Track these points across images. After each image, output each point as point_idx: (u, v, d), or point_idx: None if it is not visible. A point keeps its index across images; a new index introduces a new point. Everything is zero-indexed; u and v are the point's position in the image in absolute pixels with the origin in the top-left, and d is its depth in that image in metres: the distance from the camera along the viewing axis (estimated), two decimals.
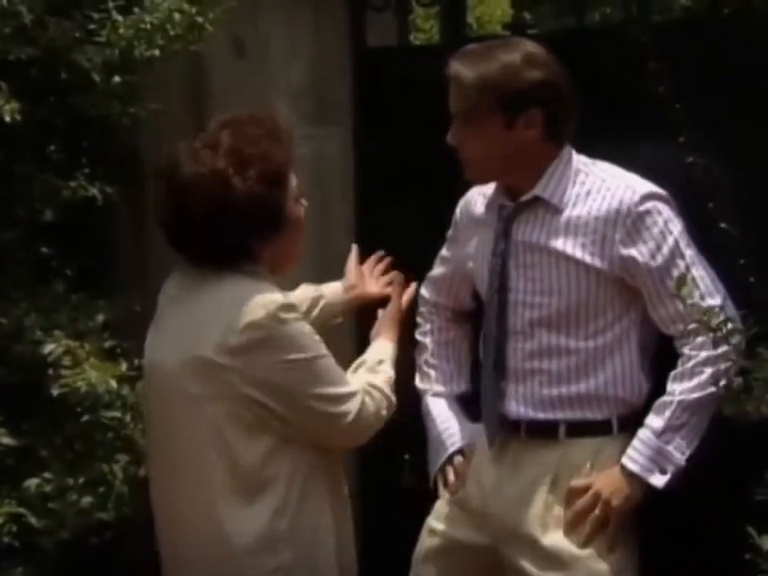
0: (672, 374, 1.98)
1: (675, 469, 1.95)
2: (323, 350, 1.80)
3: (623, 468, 1.96)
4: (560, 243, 1.99)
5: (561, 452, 2.02)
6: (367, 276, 2.26)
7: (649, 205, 1.97)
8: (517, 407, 2.04)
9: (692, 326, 1.86)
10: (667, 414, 1.94)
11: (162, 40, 2.66)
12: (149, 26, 2.64)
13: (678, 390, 1.94)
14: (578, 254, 1.97)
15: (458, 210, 2.26)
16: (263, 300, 1.73)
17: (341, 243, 3.19)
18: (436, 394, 2.27)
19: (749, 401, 1.64)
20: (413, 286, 2.22)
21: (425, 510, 2.31)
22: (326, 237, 3.04)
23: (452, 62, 2.03)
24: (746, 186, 2.31)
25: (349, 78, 3.08)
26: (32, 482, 2.43)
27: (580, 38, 2.76)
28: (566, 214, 1.99)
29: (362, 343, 2.94)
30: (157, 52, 2.66)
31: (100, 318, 2.62)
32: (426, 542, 2.20)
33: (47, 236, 2.77)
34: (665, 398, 1.96)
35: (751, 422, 1.68)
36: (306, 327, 1.78)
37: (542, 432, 2.03)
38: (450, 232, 2.30)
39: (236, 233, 1.75)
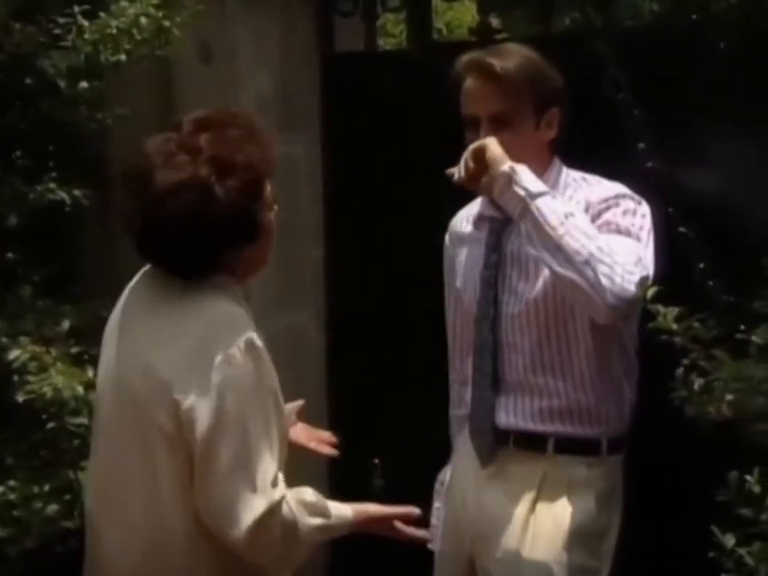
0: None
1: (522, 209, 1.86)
2: (271, 427, 1.63)
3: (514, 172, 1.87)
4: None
5: (547, 468, 2.00)
6: (302, 428, 1.98)
7: (613, 200, 1.96)
8: (507, 418, 2.02)
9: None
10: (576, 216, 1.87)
11: (128, 44, 2.64)
12: (115, 31, 2.63)
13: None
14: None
15: (446, 240, 2.18)
16: (228, 335, 1.62)
17: (309, 250, 3.20)
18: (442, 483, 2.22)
19: (710, 401, 1.65)
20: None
21: None
22: (294, 244, 3.04)
23: (486, 59, 1.92)
24: (707, 190, 2.34)
25: (317, 83, 3.09)
26: None
27: (544, 45, 2.79)
28: None
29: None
30: (123, 57, 2.65)
31: (66, 324, 2.60)
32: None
33: (13, 241, 2.75)
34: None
35: (712, 422, 1.69)
36: (262, 377, 1.63)
37: (531, 444, 2.01)
38: (445, 275, 2.18)
39: (213, 244, 1.65)
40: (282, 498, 1.64)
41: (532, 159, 1.95)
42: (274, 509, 1.62)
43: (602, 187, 2.00)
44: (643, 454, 2.09)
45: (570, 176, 2.04)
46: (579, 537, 1.98)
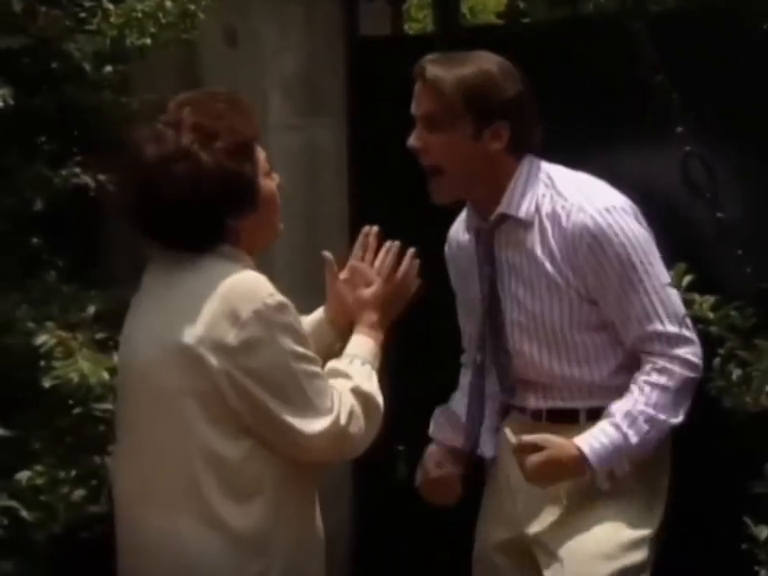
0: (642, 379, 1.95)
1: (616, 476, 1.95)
2: (310, 354, 1.70)
3: (581, 451, 1.93)
4: (535, 265, 1.98)
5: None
6: (348, 292, 1.92)
7: (603, 224, 1.94)
8: (536, 401, 2.05)
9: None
10: (638, 424, 1.93)
11: (153, 28, 2.64)
12: (140, 15, 2.62)
13: (646, 402, 1.94)
14: (551, 276, 1.96)
15: (446, 250, 2.20)
16: (251, 294, 1.66)
17: (334, 235, 3.18)
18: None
19: (747, 392, 1.63)
20: (409, 260, 1.91)
21: (419, 503, 2.30)
22: (319, 229, 3.03)
23: (425, 64, 1.98)
24: (742, 176, 2.30)
25: (342, 67, 3.07)
26: (24, 475, 2.41)
27: (574, 27, 2.76)
28: (535, 230, 1.97)
29: None
30: (148, 41, 2.64)
31: (92, 309, 2.60)
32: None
33: (38, 227, 2.75)
34: (637, 407, 1.94)
35: (750, 413, 1.67)
36: (295, 328, 1.69)
37: (564, 418, 2.02)
38: (451, 278, 2.19)
39: (210, 212, 1.67)
40: (338, 416, 1.70)
41: (476, 169, 1.97)
42: (334, 425, 1.69)
43: (575, 212, 1.94)
44: (677, 444, 2.07)
45: (543, 173, 1.99)
46: (627, 505, 1.98)
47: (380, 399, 1.78)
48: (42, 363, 2.45)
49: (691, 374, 1.94)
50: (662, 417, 1.94)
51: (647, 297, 1.93)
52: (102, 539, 2.37)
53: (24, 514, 2.37)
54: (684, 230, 1.98)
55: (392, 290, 1.88)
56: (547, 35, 2.13)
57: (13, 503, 2.36)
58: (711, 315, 1.68)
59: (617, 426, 1.94)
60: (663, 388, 1.93)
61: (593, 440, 1.94)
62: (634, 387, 1.95)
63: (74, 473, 2.44)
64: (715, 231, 2.01)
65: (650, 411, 1.93)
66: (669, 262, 1.90)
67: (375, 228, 1.93)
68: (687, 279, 1.73)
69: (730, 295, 1.71)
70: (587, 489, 1.97)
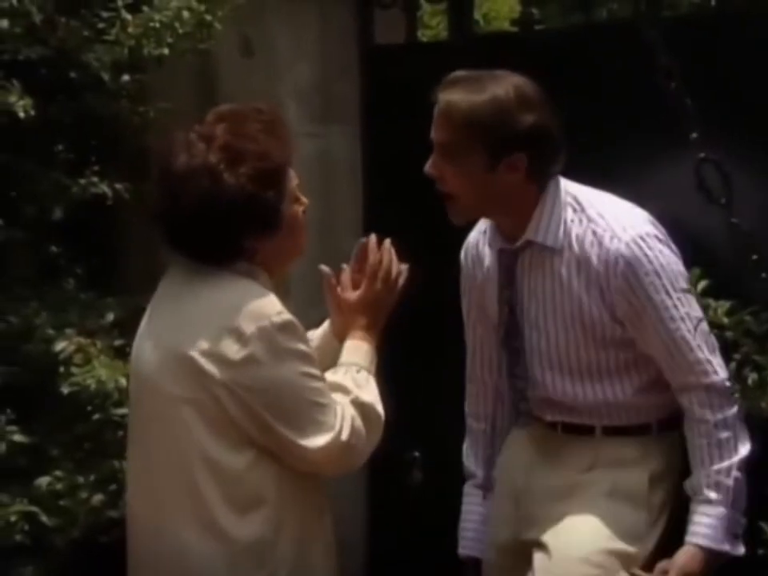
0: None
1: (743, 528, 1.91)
2: (313, 371, 1.71)
3: (695, 545, 1.89)
4: (561, 291, 1.95)
5: (597, 447, 2.00)
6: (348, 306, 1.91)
7: (638, 252, 1.90)
8: (552, 415, 2.03)
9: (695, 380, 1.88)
10: (723, 484, 1.89)
11: (170, 38, 2.67)
12: (158, 25, 2.66)
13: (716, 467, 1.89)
14: (580, 301, 1.93)
15: (462, 257, 2.13)
16: (257, 312, 1.67)
17: (348, 243, 3.18)
18: (477, 485, 2.17)
19: (763, 396, 1.63)
20: (388, 253, 1.86)
21: (432, 509, 2.31)
22: (332, 237, 3.03)
23: (441, 92, 1.91)
24: (758, 182, 2.31)
25: (356, 75, 3.08)
26: (43, 481, 2.44)
27: (588, 34, 2.77)
28: (564, 256, 1.94)
29: None
30: (166, 50, 2.68)
31: (110, 316, 2.63)
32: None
33: (56, 234, 2.78)
34: (713, 468, 1.89)
35: (765, 417, 1.68)
36: (299, 346, 1.69)
37: (579, 430, 2.01)
38: (462, 287, 2.13)
39: (226, 230, 1.69)
40: (340, 430, 1.70)
41: (493, 199, 1.93)
42: (336, 439, 1.69)
43: (608, 238, 1.91)
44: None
45: (569, 195, 1.96)
46: (626, 511, 1.96)
47: (380, 407, 1.77)
48: (61, 370, 2.48)
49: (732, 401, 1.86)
50: (736, 458, 1.89)
51: (684, 324, 1.88)
52: (121, 544, 2.39)
53: (44, 518, 2.40)
54: (699, 236, 1.98)
55: (379, 287, 1.85)
56: (561, 42, 2.14)
57: (33, 508, 2.39)
58: (726, 320, 1.68)
59: (708, 502, 1.89)
60: (727, 440, 1.89)
61: (701, 528, 1.89)
62: (701, 453, 1.90)
63: (92, 478, 2.46)
64: (730, 237, 2.02)
65: (725, 464, 1.88)
66: (685, 268, 1.90)
67: (373, 237, 1.89)
68: (702, 284, 1.74)
69: (746, 300, 1.71)
70: (588, 494, 1.96)
